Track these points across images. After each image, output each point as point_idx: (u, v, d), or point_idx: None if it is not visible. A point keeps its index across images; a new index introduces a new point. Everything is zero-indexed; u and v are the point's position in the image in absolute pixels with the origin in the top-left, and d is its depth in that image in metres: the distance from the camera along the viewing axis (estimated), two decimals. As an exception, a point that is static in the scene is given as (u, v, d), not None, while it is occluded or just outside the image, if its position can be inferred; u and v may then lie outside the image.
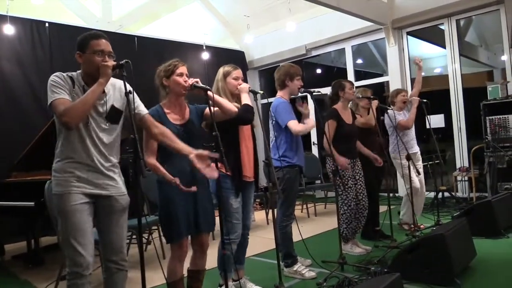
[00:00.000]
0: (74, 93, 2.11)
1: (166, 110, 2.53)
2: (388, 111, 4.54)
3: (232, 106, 2.67)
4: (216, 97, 2.60)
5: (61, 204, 2.10)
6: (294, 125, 3.33)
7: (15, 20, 5.50)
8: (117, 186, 2.25)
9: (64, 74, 2.13)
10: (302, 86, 3.50)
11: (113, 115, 2.23)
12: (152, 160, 2.44)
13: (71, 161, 2.12)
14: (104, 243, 2.26)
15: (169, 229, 2.48)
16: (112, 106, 2.23)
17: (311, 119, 3.45)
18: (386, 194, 4.37)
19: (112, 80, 2.21)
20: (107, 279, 2.28)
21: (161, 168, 2.42)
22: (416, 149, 4.79)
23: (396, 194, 6.81)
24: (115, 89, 2.26)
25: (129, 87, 2.19)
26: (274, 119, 3.41)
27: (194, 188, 2.32)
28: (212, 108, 2.41)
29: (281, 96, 3.50)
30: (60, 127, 2.14)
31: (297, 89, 3.48)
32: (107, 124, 2.21)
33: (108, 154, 2.20)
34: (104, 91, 2.16)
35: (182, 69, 2.52)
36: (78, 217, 2.09)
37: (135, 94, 2.14)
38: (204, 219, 2.54)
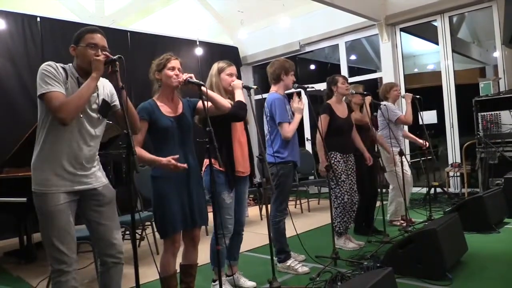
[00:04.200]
0: (67, 84, 2.08)
1: (159, 103, 2.53)
2: (382, 106, 4.55)
3: (226, 102, 2.67)
4: (210, 92, 2.60)
5: (42, 204, 2.06)
6: (285, 130, 3.34)
7: (6, 14, 5.44)
8: (98, 177, 2.23)
9: (57, 64, 2.10)
10: (294, 82, 3.50)
11: (104, 108, 2.22)
12: (136, 148, 2.41)
13: (54, 156, 2.08)
14: (97, 238, 2.25)
15: (163, 224, 2.48)
16: (104, 100, 2.22)
17: (299, 112, 3.44)
18: (378, 190, 4.40)
19: None
20: (104, 273, 2.27)
21: (147, 155, 2.40)
22: (403, 145, 4.83)
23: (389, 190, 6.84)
24: (101, 83, 2.25)
25: (110, 86, 2.22)
26: (268, 114, 3.40)
27: (184, 165, 2.35)
28: (205, 103, 2.41)
29: (275, 91, 3.50)
30: (45, 117, 2.10)
31: (291, 84, 3.49)
32: (99, 117, 2.20)
33: (93, 148, 2.19)
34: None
35: (174, 63, 2.52)
36: (60, 218, 2.06)
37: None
38: (199, 213, 2.55)
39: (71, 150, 2.11)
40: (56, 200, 2.06)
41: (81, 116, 2.11)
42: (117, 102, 2.31)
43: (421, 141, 4.95)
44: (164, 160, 2.33)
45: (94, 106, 2.18)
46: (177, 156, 2.35)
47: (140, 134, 2.46)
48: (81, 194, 2.17)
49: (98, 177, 2.23)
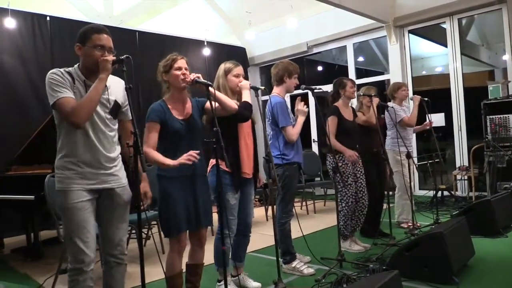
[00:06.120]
0: (75, 88, 2.10)
1: (169, 105, 2.54)
2: (389, 108, 4.53)
3: (232, 103, 2.67)
4: (217, 93, 2.60)
5: (64, 201, 2.10)
6: (289, 133, 3.34)
7: (16, 13, 5.49)
8: (118, 178, 2.25)
9: (62, 70, 2.11)
10: (298, 85, 3.50)
11: (114, 109, 2.24)
12: (148, 149, 2.43)
13: (73, 156, 2.11)
14: (104, 237, 2.27)
15: (168, 223, 2.49)
16: (115, 101, 2.24)
17: (302, 114, 3.44)
18: (385, 192, 4.37)
19: (110, 76, 2.22)
20: (106, 273, 2.30)
21: (156, 156, 2.40)
22: (412, 147, 4.79)
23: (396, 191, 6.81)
24: (115, 84, 2.27)
25: (123, 88, 2.23)
26: (270, 118, 3.40)
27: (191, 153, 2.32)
28: (213, 103, 2.42)
29: (277, 93, 3.49)
30: (61, 122, 2.14)
31: (293, 87, 3.49)
32: (110, 118, 2.21)
33: (109, 147, 2.21)
34: (106, 85, 2.17)
35: (181, 62, 2.51)
36: (81, 215, 2.09)
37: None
38: (204, 213, 2.56)
39: (88, 150, 2.14)
40: (76, 197, 2.09)
41: (94, 116, 2.13)
42: (127, 110, 2.33)
43: (426, 125, 4.91)
44: (167, 161, 2.34)
45: (105, 106, 2.19)
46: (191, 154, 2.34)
47: (154, 137, 2.47)
48: (100, 193, 2.19)
49: (118, 178, 2.25)
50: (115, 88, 2.26)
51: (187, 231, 2.57)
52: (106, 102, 2.19)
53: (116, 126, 2.29)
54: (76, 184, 2.10)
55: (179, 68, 2.50)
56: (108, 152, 2.19)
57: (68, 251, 2.13)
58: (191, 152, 2.29)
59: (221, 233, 2.72)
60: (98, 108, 2.14)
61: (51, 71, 2.10)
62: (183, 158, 2.29)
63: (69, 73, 2.12)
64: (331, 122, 3.86)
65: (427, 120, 4.81)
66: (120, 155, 2.30)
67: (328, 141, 3.65)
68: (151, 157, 2.41)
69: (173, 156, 2.44)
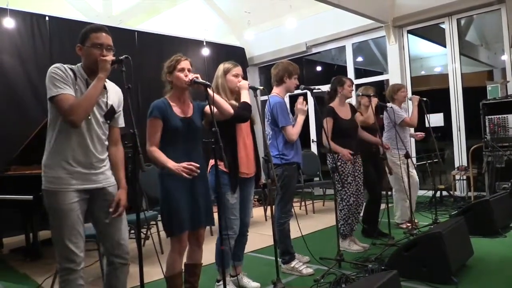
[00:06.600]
0: (76, 86, 2.10)
1: (171, 103, 2.55)
2: (388, 108, 4.53)
3: (229, 107, 2.68)
4: (215, 96, 2.60)
5: (53, 202, 2.08)
6: (289, 133, 3.34)
7: (15, 13, 5.49)
8: (107, 177, 2.25)
9: (65, 66, 2.11)
10: (298, 85, 3.50)
11: (109, 114, 2.24)
12: (153, 148, 2.45)
13: (66, 155, 2.10)
14: (105, 238, 2.27)
15: (170, 223, 2.49)
16: (112, 106, 2.24)
17: (302, 113, 3.44)
18: (384, 192, 4.38)
19: (109, 82, 2.24)
20: (110, 273, 2.29)
21: (160, 156, 2.42)
22: (410, 148, 4.80)
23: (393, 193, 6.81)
24: (112, 90, 2.28)
25: (121, 96, 2.26)
26: (270, 118, 3.40)
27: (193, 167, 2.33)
28: (211, 104, 2.42)
29: (277, 93, 3.49)
30: (56, 119, 2.12)
31: (293, 87, 3.49)
32: (103, 121, 2.22)
33: (101, 150, 2.21)
34: (105, 87, 2.17)
35: (184, 64, 2.53)
36: (71, 216, 2.08)
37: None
38: (204, 213, 2.56)
39: (81, 150, 2.13)
40: (67, 198, 2.08)
41: (90, 117, 2.13)
42: (118, 117, 2.33)
43: (418, 134, 4.95)
44: (172, 167, 2.34)
45: (102, 109, 2.20)
46: (192, 166, 2.35)
47: (157, 134, 2.48)
48: (91, 193, 2.18)
49: (107, 177, 2.25)
50: (112, 93, 2.27)
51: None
52: (103, 104, 2.19)
53: (107, 131, 2.28)
54: (68, 185, 2.09)
55: (182, 69, 2.52)
56: (99, 154, 2.20)
57: (58, 252, 2.11)
58: (192, 166, 2.30)
59: (219, 233, 2.72)
60: (95, 110, 2.15)
61: (54, 65, 2.09)
62: (183, 169, 2.31)
63: (71, 69, 2.13)
64: (328, 124, 3.86)
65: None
66: (108, 157, 2.30)
67: (325, 141, 3.66)
68: (155, 156, 2.43)
69: (170, 153, 2.45)
